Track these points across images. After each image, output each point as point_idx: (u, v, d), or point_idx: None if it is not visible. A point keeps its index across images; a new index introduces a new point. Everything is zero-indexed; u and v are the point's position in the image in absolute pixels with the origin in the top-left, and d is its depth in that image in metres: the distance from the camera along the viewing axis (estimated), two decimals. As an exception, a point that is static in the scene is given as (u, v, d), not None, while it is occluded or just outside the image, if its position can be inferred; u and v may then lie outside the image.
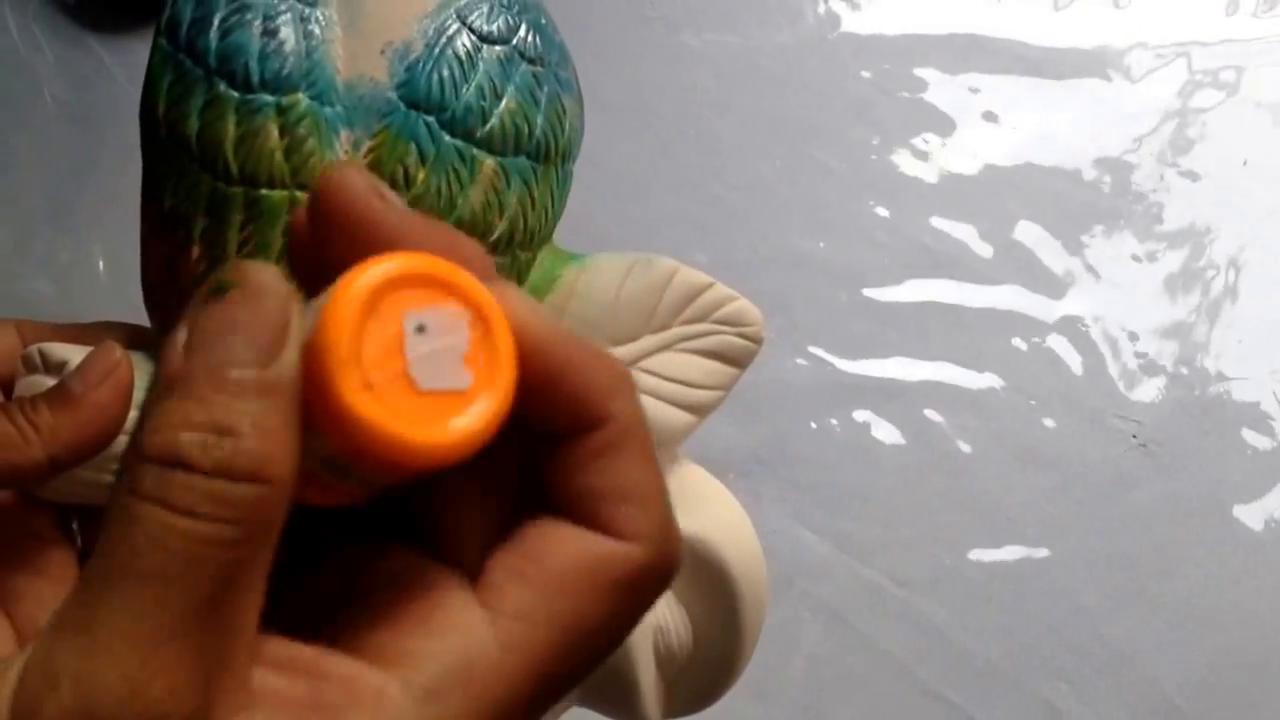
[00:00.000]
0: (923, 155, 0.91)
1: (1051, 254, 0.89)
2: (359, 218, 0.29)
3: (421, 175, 0.48)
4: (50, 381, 0.45)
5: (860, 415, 0.86)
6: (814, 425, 0.85)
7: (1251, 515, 0.84)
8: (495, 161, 0.49)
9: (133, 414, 0.44)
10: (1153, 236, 0.89)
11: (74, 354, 0.46)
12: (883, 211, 0.89)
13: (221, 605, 0.26)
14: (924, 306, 0.87)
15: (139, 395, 0.44)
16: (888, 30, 0.93)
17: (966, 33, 0.93)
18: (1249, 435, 0.86)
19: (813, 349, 0.86)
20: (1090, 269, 0.89)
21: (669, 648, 0.51)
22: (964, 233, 0.89)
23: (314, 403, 0.26)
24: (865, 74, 0.92)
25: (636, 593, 0.30)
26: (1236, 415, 0.86)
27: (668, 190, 0.89)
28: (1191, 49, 0.93)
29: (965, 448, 0.85)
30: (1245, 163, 0.91)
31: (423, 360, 0.26)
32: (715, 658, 0.53)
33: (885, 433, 0.85)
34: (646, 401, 0.46)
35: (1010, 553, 0.83)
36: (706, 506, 0.53)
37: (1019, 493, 0.84)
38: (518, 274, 0.50)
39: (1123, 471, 0.85)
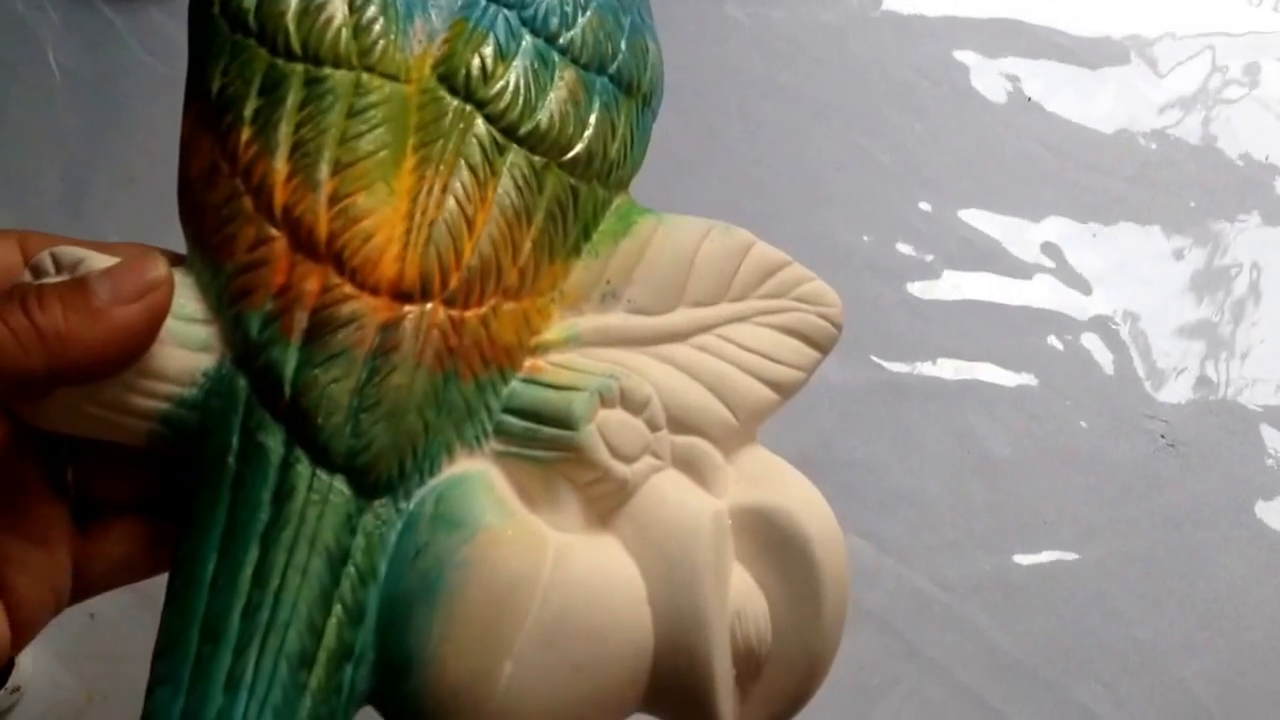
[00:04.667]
0: (960, 142, 1.01)
1: (1083, 248, 1.00)
2: None
3: (500, 69, 0.49)
4: None
5: (905, 416, 0.96)
6: (861, 426, 0.95)
7: (1274, 515, 0.96)
8: (577, 72, 0.51)
9: (169, 350, 0.45)
10: (1178, 233, 1.01)
11: (97, 260, 0.46)
12: (925, 205, 0.99)
13: None
14: (963, 304, 0.98)
15: (173, 325, 0.46)
16: (928, 11, 1.03)
17: (1005, 17, 1.04)
18: (1271, 434, 0.98)
19: (858, 348, 0.96)
20: (1120, 265, 1.00)
21: (747, 640, 0.50)
22: (999, 225, 1.00)
23: None
24: (906, 57, 1.02)
25: None
26: (1260, 414, 0.98)
27: (710, 174, 0.98)
28: (1217, 41, 1.05)
29: (1005, 449, 0.96)
30: (1267, 157, 1.03)
31: None
32: (797, 652, 0.52)
33: (929, 434, 0.95)
34: (729, 372, 0.52)
35: (1048, 556, 0.94)
36: (786, 486, 0.53)
37: (1056, 495, 0.95)
38: (593, 210, 0.52)
39: (1152, 472, 0.96)
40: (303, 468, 0.46)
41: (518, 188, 0.49)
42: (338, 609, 0.46)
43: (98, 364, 0.43)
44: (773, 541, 0.51)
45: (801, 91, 1.00)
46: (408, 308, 0.47)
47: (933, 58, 1.02)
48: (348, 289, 0.46)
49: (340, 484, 0.46)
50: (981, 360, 0.97)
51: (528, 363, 0.50)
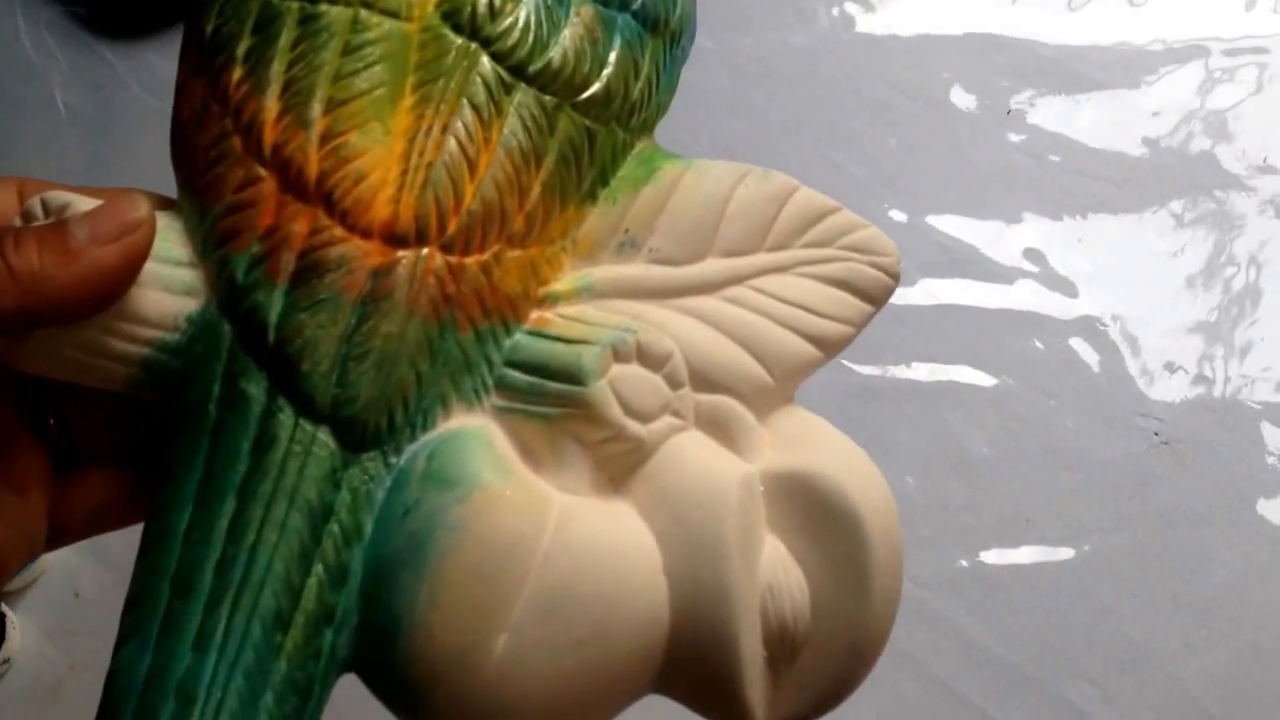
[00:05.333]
0: (938, 156, 1.04)
1: (1069, 253, 1.01)
2: None
3: (509, 6, 0.47)
4: None
5: (877, 417, 0.97)
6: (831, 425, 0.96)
7: (1276, 511, 0.95)
8: (595, 8, 0.49)
9: (151, 294, 0.45)
10: (1172, 234, 1.02)
11: (83, 204, 0.45)
12: (898, 215, 1.02)
13: None
14: (941, 308, 1.00)
15: (156, 269, 0.45)
16: (902, 31, 1.07)
17: (983, 32, 1.07)
18: (1271, 432, 0.97)
19: (828, 352, 0.97)
20: (1108, 267, 1.01)
21: (780, 617, 0.47)
22: (980, 232, 1.01)
23: None
24: (880, 75, 1.05)
25: None
26: (1259, 412, 0.97)
27: (680, 191, 1.01)
28: (1210, 45, 1.07)
29: (984, 449, 0.96)
30: (1265, 159, 1.03)
31: None
32: (840, 636, 0.47)
33: (903, 434, 0.96)
34: (763, 326, 0.48)
35: (1031, 553, 0.94)
36: (831, 451, 0.49)
37: (1040, 493, 0.95)
38: (612, 155, 0.50)
39: (1146, 470, 0.96)
40: (285, 417, 0.44)
41: (526, 129, 0.47)
42: (318, 568, 0.44)
43: (72, 304, 0.42)
44: (815, 512, 0.47)
45: (771, 110, 1.04)
46: (401, 253, 0.45)
47: (908, 74, 1.05)
48: (338, 231, 0.45)
49: (325, 436, 0.45)
50: (959, 363, 0.98)
51: (534, 314, 0.48)
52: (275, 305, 0.44)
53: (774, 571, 0.47)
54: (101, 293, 0.43)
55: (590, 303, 0.48)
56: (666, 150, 0.51)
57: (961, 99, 1.05)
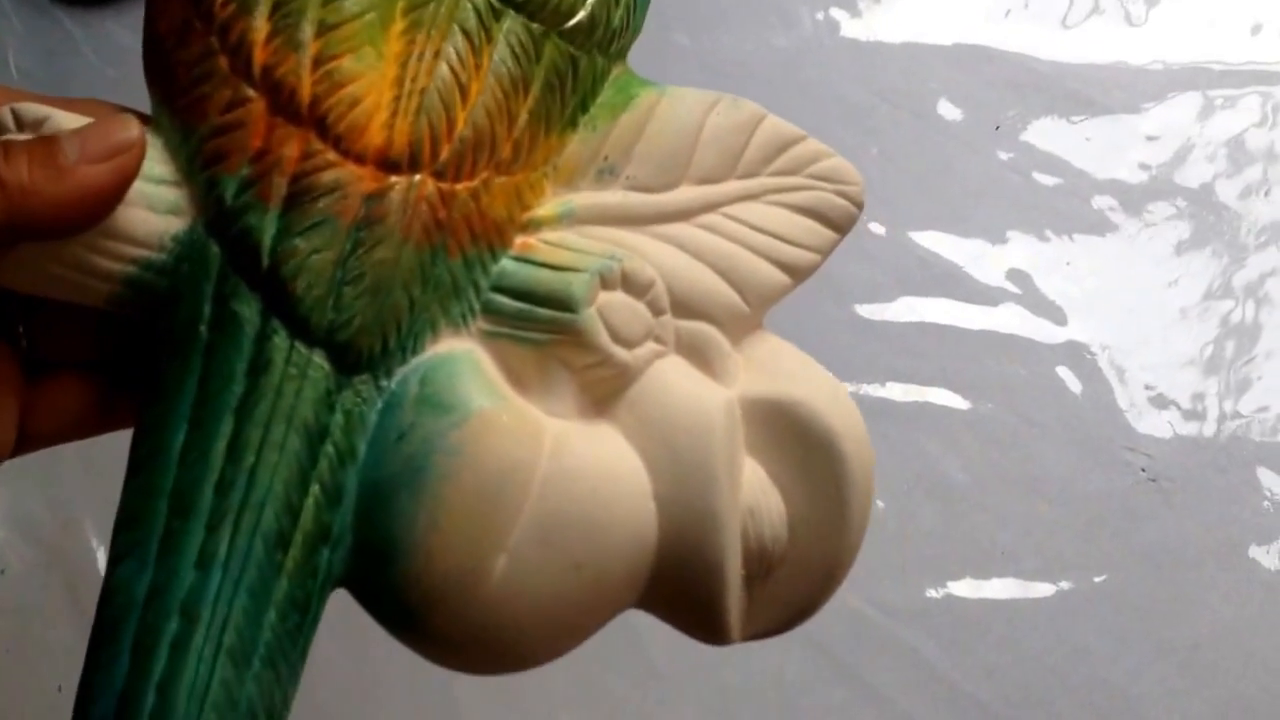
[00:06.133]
0: (921, 168, 1.01)
1: (1056, 277, 0.99)
2: None
3: None
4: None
5: (848, 434, 0.93)
6: None
7: (1269, 558, 0.92)
8: None
9: (137, 212, 0.45)
10: (1167, 264, 0.99)
11: (63, 118, 0.46)
12: (877, 228, 0.99)
13: None
14: (919, 326, 0.97)
15: (141, 187, 0.45)
16: (889, 39, 1.04)
17: (973, 44, 1.05)
18: (1267, 475, 0.94)
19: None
20: (1097, 294, 0.98)
21: (760, 539, 0.49)
22: (963, 251, 0.99)
23: None
24: (864, 82, 1.03)
25: None
26: (1254, 453, 0.94)
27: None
28: (1213, 69, 1.04)
29: (960, 474, 0.93)
30: (1267, 192, 1.01)
31: None
32: (815, 556, 0.51)
33: (875, 454, 0.93)
34: (737, 253, 0.50)
35: (1005, 586, 0.91)
36: (804, 376, 0.51)
37: (1018, 524, 0.92)
38: (592, 82, 0.51)
39: (1131, 507, 0.93)
40: (280, 340, 0.46)
41: (514, 56, 0.48)
42: (315, 489, 0.46)
43: (60, 221, 0.43)
44: (792, 436, 0.50)
45: (749, 112, 1.01)
46: (395, 178, 0.46)
47: (893, 82, 1.03)
48: (330, 155, 0.46)
49: (320, 358, 0.46)
50: (936, 384, 0.96)
51: (519, 240, 0.49)
52: (269, 228, 0.45)
53: (754, 494, 0.49)
54: (90, 210, 0.43)
55: (571, 229, 0.50)
56: (641, 76, 0.53)
57: (949, 111, 1.03)
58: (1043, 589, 0.91)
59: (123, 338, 0.50)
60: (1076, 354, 0.96)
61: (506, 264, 0.49)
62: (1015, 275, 0.98)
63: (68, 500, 0.86)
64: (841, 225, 0.52)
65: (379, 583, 0.47)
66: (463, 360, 0.48)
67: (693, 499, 0.47)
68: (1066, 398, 0.95)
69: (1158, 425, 0.95)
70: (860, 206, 0.53)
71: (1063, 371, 0.96)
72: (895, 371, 0.96)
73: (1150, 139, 1.02)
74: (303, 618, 0.46)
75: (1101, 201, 1.00)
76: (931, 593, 0.91)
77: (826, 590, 0.52)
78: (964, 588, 0.91)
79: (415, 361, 0.47)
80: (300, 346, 0.46)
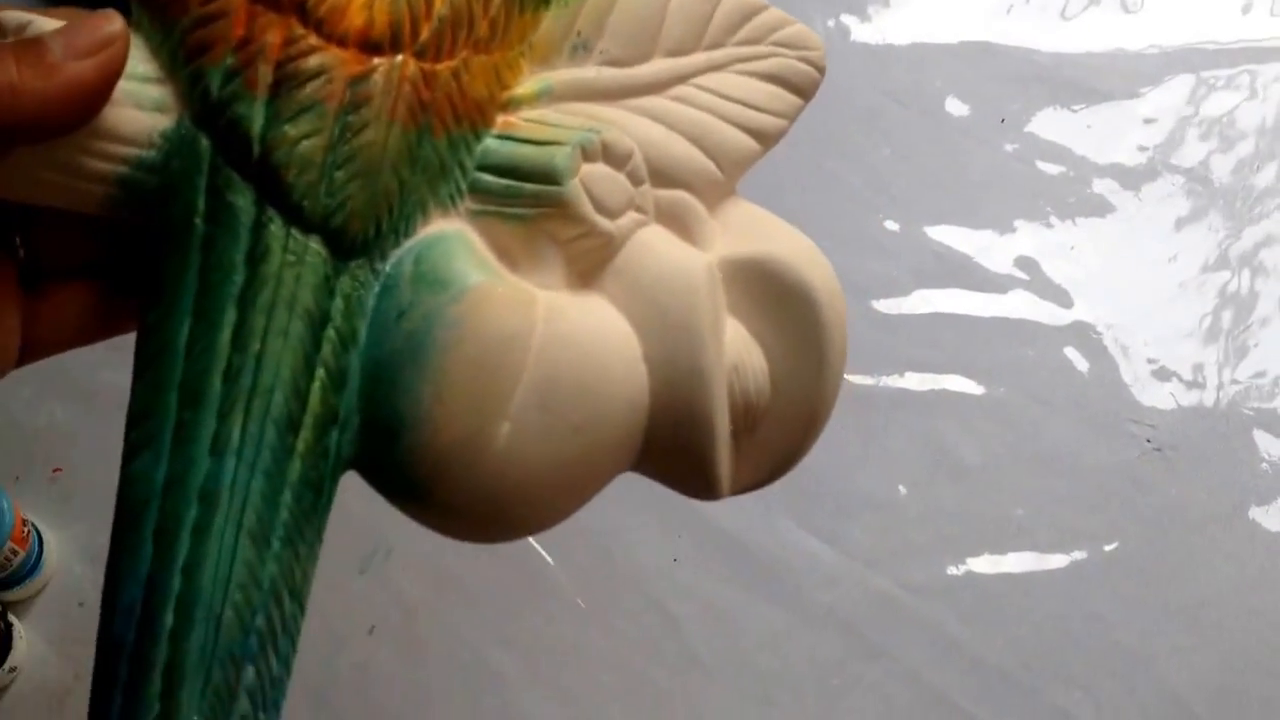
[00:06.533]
0: (932, 164, 1.06)
1: (1063, 261, 1.04)
2: None
3: None
4: None
5: (870, 424, 1.00)
6: (824, 434, 0.98)
7: (1270, 517, 0.98)
8: None
9: (124, 111, 0.45)
10: (1166, 241, 1.04)
11: (44, 21, 0.45)
12: (892, 225, 1.04)
13: None
14: (934, 317, 1.02)
15: (126, 85, 0.45)
16: (897, 40, 1.09)
17: (977, 41, 1.09)
18: (1264, 438, 0.99)
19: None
20: (1101, 274, 1.04)
21: (745, 394, 0.51)
22: (973, 242, 1.04)
23: None
24: (875, 84, 1.08)
25: None
26: (1252, 418, 1.00)
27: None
28: (1205, 50, 1.09)
29: (976, 455, 0.99)
30: (1259, 166, 1.06)
31: None
32: (797, 406, 0.52)
33: (895, 441, 0.99)
34: (709, 122, 0.52)
35: (1022, 559, 0.97)
36: (779, 237, 0.53)
37: (1031, 499, 0.98)
38: None
39: (1138, 476, 0.98)
40: (276, 228, 0.46)
41: None
42: (320, 373, 0.46)
43: (51, 119, 0.43)
44: (771, 293, 0.51)
45: (765, 120, 1.06)
46: (377, 60, 0.46)
47: (903, 83, 1.08)
48: (313, 40, 0.45)
49: (316, 244, 0.46)
50: (951, 372, 1.01)
51: (500, 119, 0.50)
52: (257, 117, 0.45)
53: (738, 351, 0.51)
54: (80, 108, 0.43)
55: (550, 106, 0.50)
56: None
57: (956, 107, 1.07)
58: (1057, 560, 0.96)
59: (120, 243, 0.50)
60: (1083, 334, 1.01)
61: (490, 143, 0.49)
62: (1023, 262, 1.03)
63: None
64: (805, 90, 0.53)
65: (388, 459, 0.47)
66: (454, 239, 0.48)
67: (681, 357, 0.49)
68: (1074, 377, 1.01)
69: (1161, 397, 1.00)
70: (822, 71, 0.53)
71: (1070, 352, 1.01)
72: (912, 362, 1.01)
73: (1148, 121, 1.07)
74: (317, 498, 0.47)
75: (1102, 185, 1.05)
76: (953, 570, 0.96)
77: (808, 439, 0.53)
78: (983, 563, 0.96)
79: (408, 244, 0.48)
80: (296, 233, 0.46)
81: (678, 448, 0.50)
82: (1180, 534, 0.97)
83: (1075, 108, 1.07)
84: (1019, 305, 1.03)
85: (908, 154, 1.06)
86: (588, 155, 0.49)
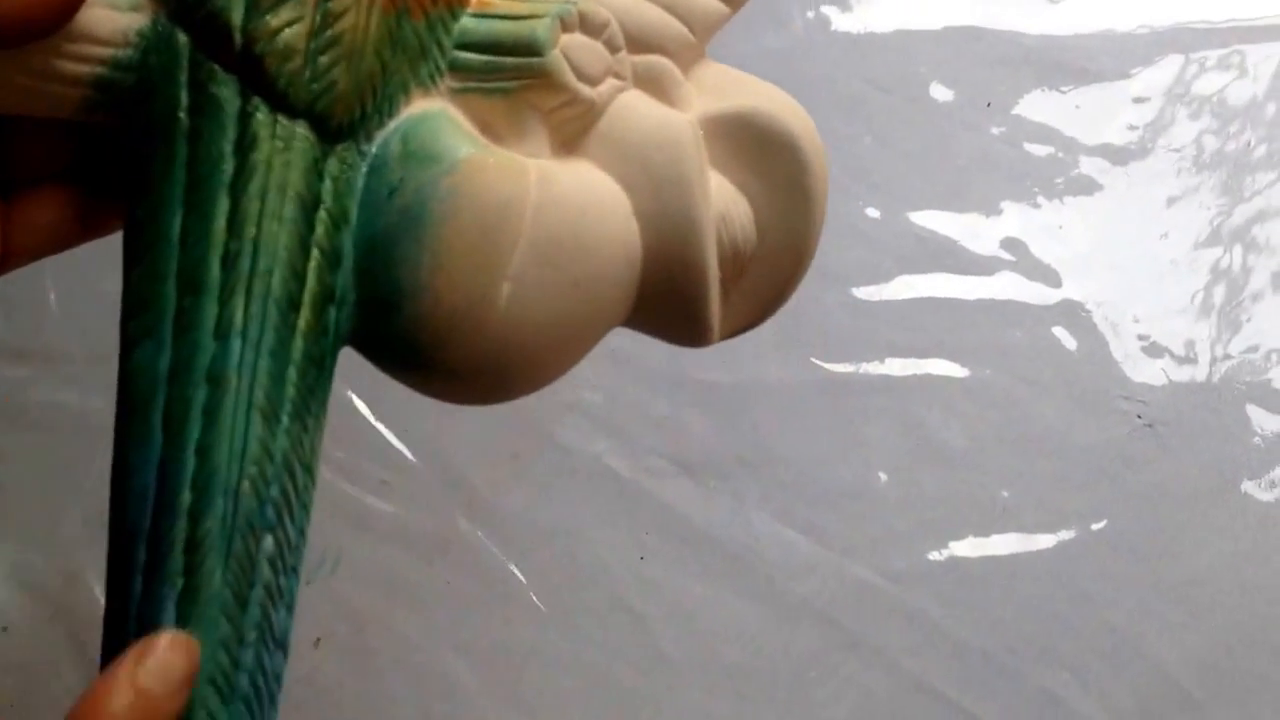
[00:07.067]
0: (916, 150, 1.06)
1: (1051, 241, 1.03)
2: None
3: None
4: None
5: (849, 412, 0.99)
6: (799, 424, 0.98)
7: (1262, 491, 0.96)
8: None
9: (99, 11, 0.45)
10: (1157, 218, 1.03)
11: None
12: (873, 211, 1.04)
13: None
14: (917, 303, 1.01)
15: None
16: (879, 28, 1.09)
17: (962, 25, 1.09)
18: (1256, 412, 0.98)
19: (798, 351, 1.00)
20: (1091, 253, 1.03)
21: (733, 242, 0.53)
22: (958, 225, 1.03)
23: None
24: (857, 72, 1.07)
25: None
26: (1244, 392, 0.98)
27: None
28: (1196, 29, 1.08)
29: (960, 439, 0.98)
30: (1250, 143, 1.04)
31: None
32: (782, 250, 0.55)
33: (875, 429, 0.98)
34: None
35: (1007, 541, 0.95)
36: (754, 89, 0.55)
37: (1018, 481, 0.97)
38: None
39: (1128, 453, 0.97)
40: (263, 115, 0.47)
41: None
42: (315, 253, 0.48)
43: (28, 22, 0.42)
44: (753, 144, 0.54)
45: (744, 110, 1.06)
46: None
47: (885, 69, 1.07)
48: None
49: (303, 129, 0.47)
50: (934, 356, 1.00)
51: None
52: (237, 8, 0.46)
53: (724, 201, 0.53)
54: (57, 11, 0.43)
55: None
56: None
57: (940, 93, 1.07)
58: (1044, 540, 0.95)
59: (95, 146, 0.51)
60: (1072, 312, 1.00)
61: (466, 21, 0.50)
62: (1010, 244, 1.02)
63: (69, 554, 0.88)
64: None
65: (387, 331, 0.49)
66: (439, 116, 0.50)
67: (671, 209, 0.51)
68: (1063, 356, 1.00)
69: (1152, 373, 0.99)
70: None
71: (1059, 331, 1.00)
72: (894, 347, 1.00)
73: (1138, 101, 1.06)
74: (320, 374, 0.49)
75: (1091, 165, 1.04)
76: (934, 555, 0.95)
77: (794, 280, 0.56)
78: (966, 547, 0.95)
79: (392, 124, 0.49)
80: (283, 120, 0.47)
81: (670, 297, 0.53)
82: (1171, 510, 0.96)
83: (1064, 89, 1.06)
84: (1006, 287, 1.02)
85: (890, 141, 1.06)
86: (566, 26, 0.50)
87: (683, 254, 0.52)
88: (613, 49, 0.52)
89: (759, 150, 0.54)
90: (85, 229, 0.53)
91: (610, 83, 0.52)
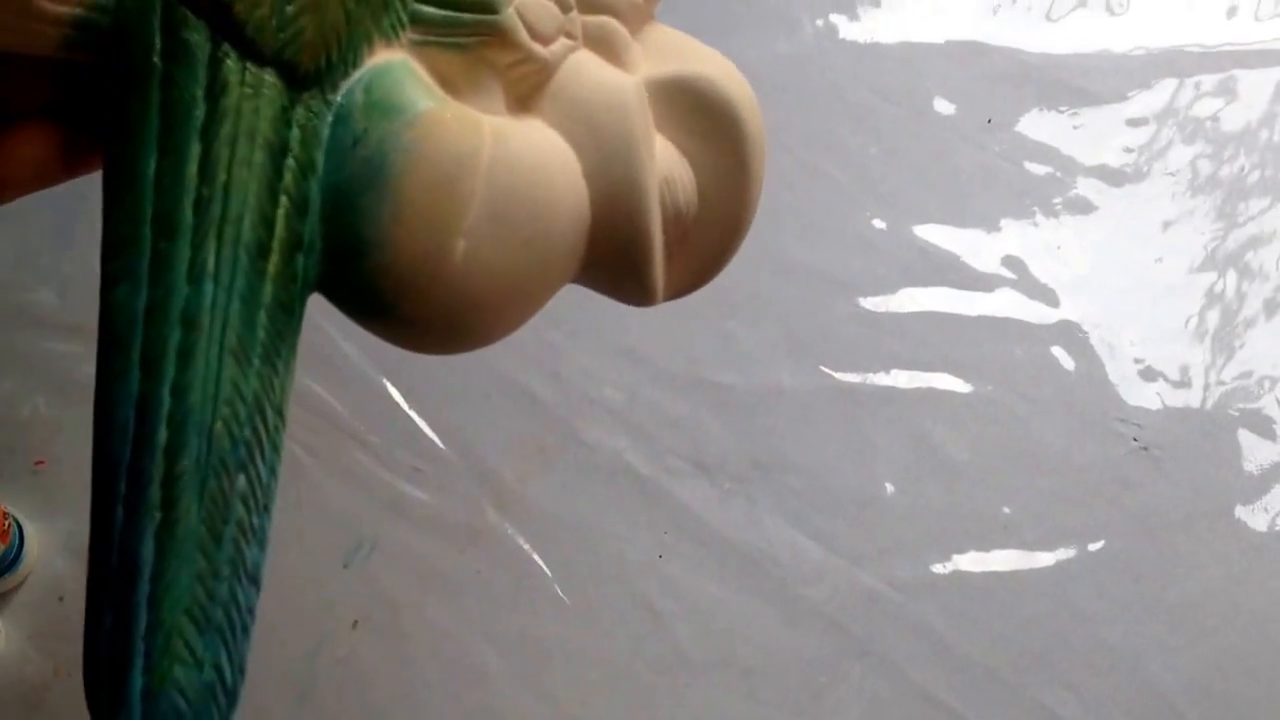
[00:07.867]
0: (920, 163, 1.07)
1: (1049, 261, 1.05)
2: None
3: None
4: None
5: (857, 421, 1.01)
6: (809, 431, 1.00)
7: (1254, 517, 0.99)
8: None
9: None
10: (1153, 242, 1.06)
11: None
12: (879, 223, 1.05)
13: None
14: (921, 316, 1.03)
15: None
16: (885, 39, 1.10)
17: (965, 40, 1.11)
18: (1249, 438, 1.01)
19: (809, 359, 1.02)
20: (1088, 274, 1.05)
21: (675, 205, 0.54)
22: (960, 241, 1.05)
23: None
24: (863, 82, 1.09)
25: None
26: (1238, 418, 1.01)
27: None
28: (1191, 53, 1.11)
29: (964, 453, 1.00)
30: (1243, 168, 1.07)
31: None
32: (723, 214, 0.56)
33: (882, 439, 1.00)
34: None
35: (1008, 557, 0.98)
36: (699, 55, 0.56)
37: (1018, 497, 0.99)
38: None
39: (1124, 475, 1.00)
40: (233, 62, 0.47)
41: None
42: (284, 200, 0.49)
43: None
44: (695, 109, 0.55)
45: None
46: None
47: (892, 81, 1.09)
48: None
49: (271, 77, 0.48)
50: (938, 370, 1.02)
51: None
52: None
53: (668, 165, 0.54)
54: None
55: None
56: None
57: (944, 107, 1.08)
58: (1043, 558, 0.98)
59: (78, 83, 0.51)
60: (1069, 333, 1.03)
61: None
62: (1010, 261, 1.04)
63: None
64: None
65: (352, 280, 0.50)
66: (400, 68, 0.50)
67: (617, 171, 0.52)
68: (1061, 375, 1.02)
69: (1147, 396, 1.02)
70: None
71: (1057, 350, 1.02)
72: (900, 359, 1.02)
73: (1134, 123, 1.08)
74: (289, 319, 0.50)
75: (1088, 186, 1.07)
76: (939, 567, 0.97)
77: (733, 244, 0.58)
78: (969, 561, 0.97)
79: (356, 74, 0.50)
80: (252, 67, 0.47)
81: (616, 256, 0.54)
82: (1166, 533, 0.99)
83: (1062, 109, 1.09)
84: (1006, 304, 1.04)
85: (896, 152, 1.07)
86: None
87: (628, 215, 0.53)
88: (564, 9, 0.53)
89: (700, 116, 0.55)
90: (69, 166, 0.53)
91: (562, 42, 0.53)
